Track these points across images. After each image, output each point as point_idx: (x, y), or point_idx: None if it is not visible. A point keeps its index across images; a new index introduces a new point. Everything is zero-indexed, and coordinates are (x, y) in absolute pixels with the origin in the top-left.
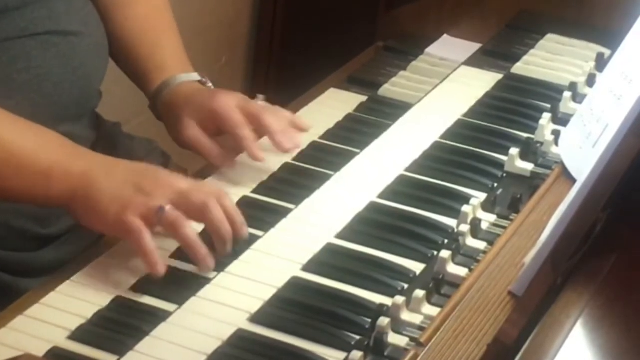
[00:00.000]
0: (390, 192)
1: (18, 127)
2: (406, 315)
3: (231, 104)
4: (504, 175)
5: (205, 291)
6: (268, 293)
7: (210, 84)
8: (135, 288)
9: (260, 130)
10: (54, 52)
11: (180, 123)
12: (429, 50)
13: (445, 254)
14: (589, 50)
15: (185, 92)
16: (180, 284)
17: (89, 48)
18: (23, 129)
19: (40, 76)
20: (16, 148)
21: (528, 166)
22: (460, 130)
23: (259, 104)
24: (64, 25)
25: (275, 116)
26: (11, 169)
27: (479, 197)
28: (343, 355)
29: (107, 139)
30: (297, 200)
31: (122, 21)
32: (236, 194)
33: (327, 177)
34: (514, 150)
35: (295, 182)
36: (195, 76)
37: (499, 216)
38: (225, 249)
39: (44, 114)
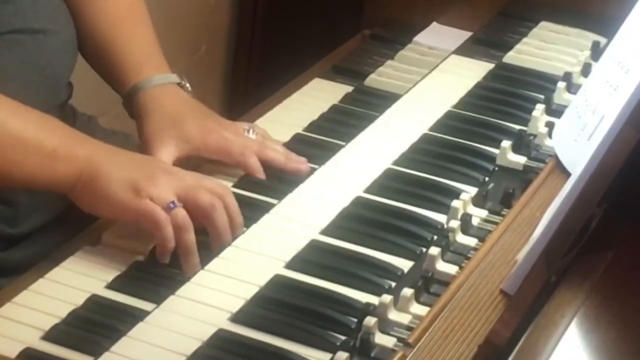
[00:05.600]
0: (377, 187)
1: (20, 113)
2: (394, 315)
3: (227, 137)
4: (496, 168)
5: (185, 290)
6: (250, 292)
7: (188, 86)
8: (112, 286)
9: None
10: (19, 52)
11: (160, 141)
12: (417, 38)
13: (434, 250)
14: (584, 38)
15: (169, 108)
16: (159, 283)
17: (57, 46)
18: (25, 114)
19: (3, 77)
20: (20, 133)
21: (521, 159)
22: (450, 121)
23: (252, 138)
24: (30, 22)
25: (274, 149)
26: (17, 155)
27: (469, 191)
28: (328, 356)
29: None
30: (280, 195)
31: (93, 14)
32: None
33: (311, 171)
34: (506, 143)
35: (278, 176)
36: (173, 78)
37: (491, 211)
38: (220, 250)
39: None
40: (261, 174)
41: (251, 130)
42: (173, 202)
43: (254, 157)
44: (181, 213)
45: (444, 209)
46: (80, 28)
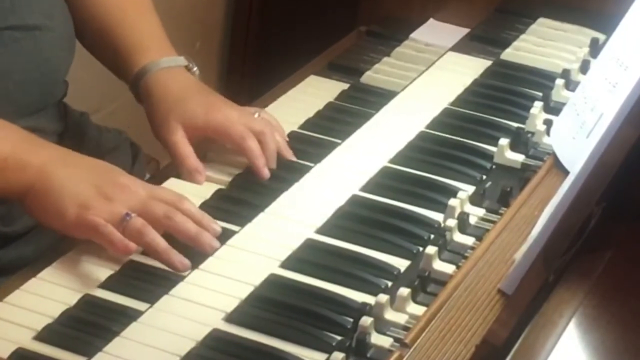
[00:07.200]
0: (374, 185)
1: None
2: (390, 315)
3: (231, 117)
4: (493, 167)
5: (179, 289)
6: (245, 291)
7: (195, 69)
8: (105, 286)
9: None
10: (15, 49)
11: (167, 125)
12: (414, 35)
13: (431, 250)
14: (583, 35)
15: (175, 89)
16: (152, 282)
17: (54, 42)
18: None
19: None
20: None
21: (518, 157)
22: (447, 119)
23: (258, 118)
24: (27, 18)
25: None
26: None
27: (466, 190)
28: (324, 356)
29: (74, 131)
30: (275, 194)
31: (96, 2)
32: (211, 187)
33: (306, 169)
34: (504, 141)
35: (273, 174)
36: (181, 60)
37: (488, 210)
38: (203, 247)
39: (4, 111)
40: (258, 159)
41: (257, 114)
42: (127, 214)
43: (254, 140)
44: (138, 220)
45: (441, 207)
46: (83, 16)
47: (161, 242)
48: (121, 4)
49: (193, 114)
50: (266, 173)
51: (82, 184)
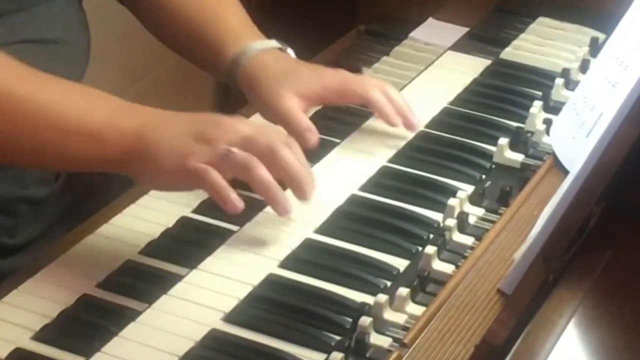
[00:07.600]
0: (373, 185)
1: (61, 89)
2: (389, 315)
3: (347, 77)
4: (493, 166)
5: (177, 289)
6: (243, 291)
7: (290, 51)
8: (103, 285)
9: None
10: (30, 62)
11: (279, 95)
12: (413, 34)
13: (430, 249)
14: (582, 34)
15: (280, 66)
16: (151, 282)
17: (70, 56)
18: (67, 89)
19: None
20: (61, 111)
21: (518, 157)
22: (446, 119)
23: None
24: (43, 32)
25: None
26: (59, 135)
27: (466, 189)
28: (323, 356)
29: None
30: None
31: (179, 3)
32: None
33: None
34: (503, 140)
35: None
36: (274, 43)
37: (487, 210)
38: (304, 192)
39: None
40: (387, 107)
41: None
42: (228, 150)
43: (378, 92)
44: (240, 154)
45: (440, 207)
46: (168, 19)
47: (266, 176)
48: (202, 2)
49: (307, 84)
50: (398, 121)
51: (178, 136)
